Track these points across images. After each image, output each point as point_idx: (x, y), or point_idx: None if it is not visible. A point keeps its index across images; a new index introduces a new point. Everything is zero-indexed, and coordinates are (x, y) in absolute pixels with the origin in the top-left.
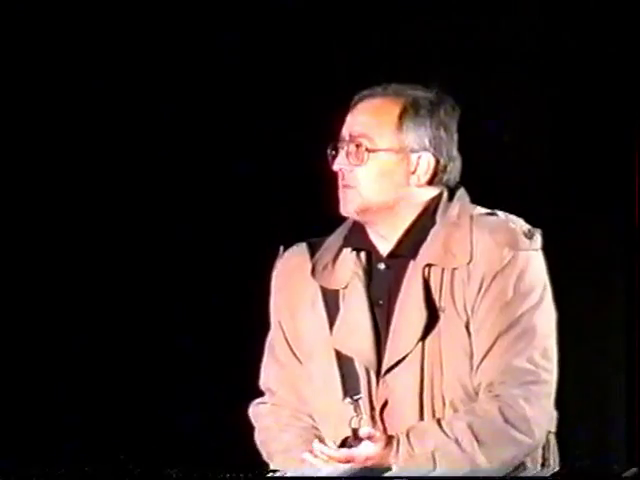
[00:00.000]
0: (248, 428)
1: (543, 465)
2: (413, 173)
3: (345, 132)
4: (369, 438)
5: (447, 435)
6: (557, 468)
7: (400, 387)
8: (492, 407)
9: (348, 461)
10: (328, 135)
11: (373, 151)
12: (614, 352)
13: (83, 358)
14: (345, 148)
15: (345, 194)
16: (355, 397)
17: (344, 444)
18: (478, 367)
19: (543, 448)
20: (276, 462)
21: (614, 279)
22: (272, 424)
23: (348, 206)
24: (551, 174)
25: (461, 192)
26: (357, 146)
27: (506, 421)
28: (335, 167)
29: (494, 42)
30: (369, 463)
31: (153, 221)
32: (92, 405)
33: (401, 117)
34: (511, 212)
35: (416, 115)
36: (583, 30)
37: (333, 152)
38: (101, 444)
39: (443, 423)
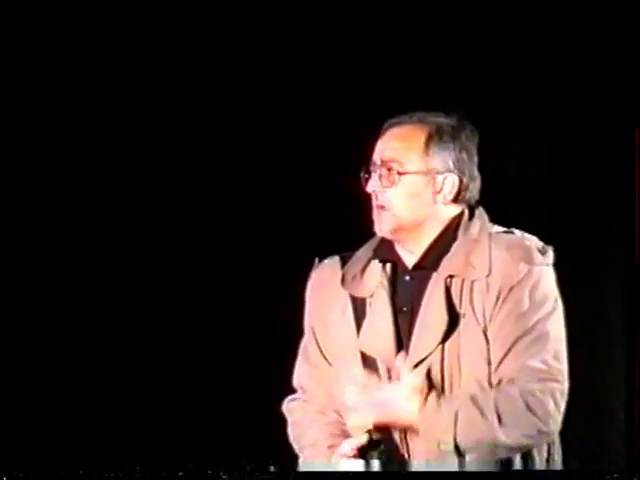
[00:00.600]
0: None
1: (548, 461)
2: (439, 192)
3: (376, 157)
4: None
5: (473, 402)
6: (560, 464)
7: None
8: (515, 391)
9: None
10: (362, 157)
11: (403, 174)
12: (614, 357)
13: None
14: (377, 172)
15: (380, 216)
16: None
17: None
18: (497, 369)
19: (548, 444)
20: (305, 455)
21: (613, 285)
22: (301, 419)
23: (383, 227)
24: (553, 191)
25: (480, 211)
26: (388, 170)
27: (527, 405)
28: (369, 189)
29: (498, 66)
30: (397, 404)
31: (195, 232)
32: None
33: (427, 142)
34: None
35: (440, 140)
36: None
37: (366, 175)
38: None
39: (471, 394)
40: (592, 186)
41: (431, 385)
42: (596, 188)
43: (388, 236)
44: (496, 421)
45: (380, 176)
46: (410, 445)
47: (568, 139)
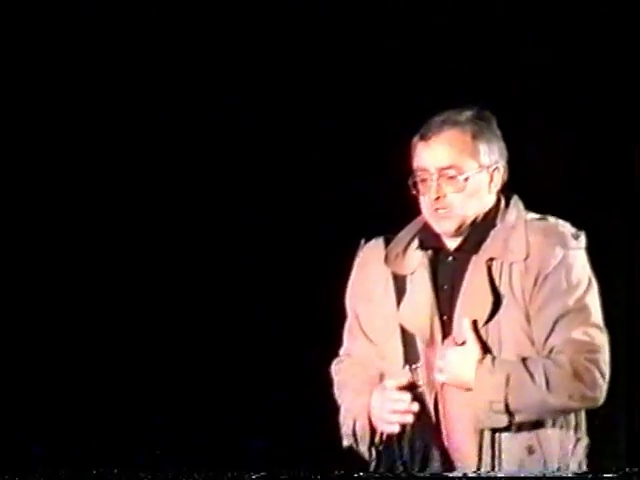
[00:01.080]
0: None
1: (575, 445)
2: (491, 183)
3: (428, 165)
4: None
5: (524, 366)
6: (583, 464)
7: None
8: (563, 359)
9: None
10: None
11: (467, 179)
12: (615, 356)
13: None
14: (435, 179)
15: (441, 217)
16: (413, 366)
17: None
18: (544, 345)
19: (576, 441)
20: (346, 400)
21: (615, 280)
22: (346, 374)
23: (446, 226)
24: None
25: (515, 199)
26: (450, 177)
27: (574, 372)
28: (433, 196)
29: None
30: (460, 364)
31: (244, 213)
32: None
33: (474, 141)
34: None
35: (483, 135)
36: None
37: (414, 181)
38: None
39: (523, 357)
40: (592, 204)
41: (486, 349)
42: (596, 205)
43: (452, 235)
44: (544, 385)
45: (439, 185)
46: (446, 426)
47: (569, 156)
